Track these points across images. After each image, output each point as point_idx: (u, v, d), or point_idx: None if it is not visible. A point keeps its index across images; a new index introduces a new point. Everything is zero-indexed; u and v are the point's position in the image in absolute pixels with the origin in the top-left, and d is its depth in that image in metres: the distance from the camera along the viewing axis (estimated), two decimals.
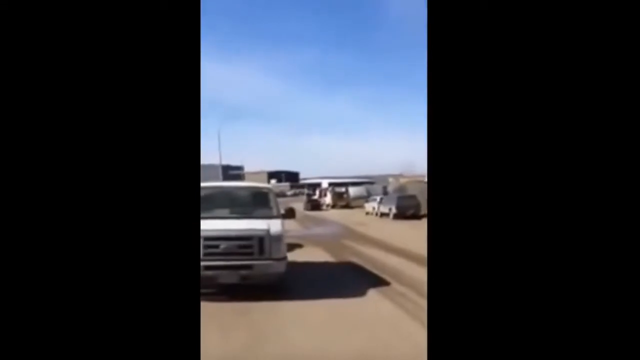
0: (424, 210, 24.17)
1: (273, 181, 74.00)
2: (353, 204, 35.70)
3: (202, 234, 5.92)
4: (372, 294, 6.86)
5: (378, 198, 28.51)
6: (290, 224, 14.92)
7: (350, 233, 17.54)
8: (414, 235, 15.30)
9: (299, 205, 28.95)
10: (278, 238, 6.53)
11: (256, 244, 6.34)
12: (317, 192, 45.03)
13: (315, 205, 36.21)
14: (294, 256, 9.47)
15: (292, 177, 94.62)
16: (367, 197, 32.95)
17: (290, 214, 8.30)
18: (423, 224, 20.31)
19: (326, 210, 35.07)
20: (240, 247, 6.32)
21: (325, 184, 58.35)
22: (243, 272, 6.23)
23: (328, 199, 38.22)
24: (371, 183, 48.80)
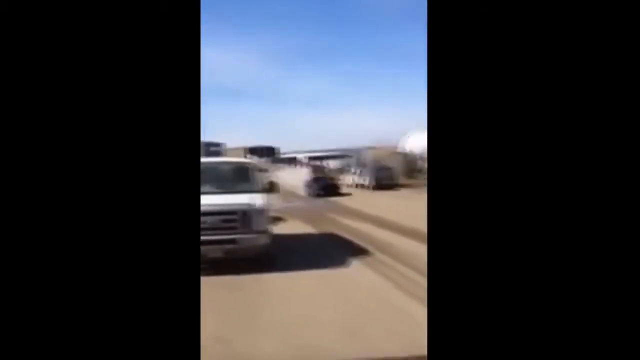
0: (400, 180, 24.65)
1: (254, 157, 73.29)
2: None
3: None
4: (355, 263, 7.07)
5: (357, 170, 28.77)
6: (271, 197, 14.98)
7: (330, 205, 17.76)
8: (392, 205, 15.63)
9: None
10: (261, 211, 6.64)
11: (240, 218, 6.43)
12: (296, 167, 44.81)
13: (328, 187, 23.81)
14: (277, 229, 9.58)
15: (271, 152, 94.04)
16: (345, 170, 33.22)
17: (273, 188, 8.37)
18: (400, 194, 20.71)
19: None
20: (224, 221, 6.40)
21: (302, 157, 58.09)
22: (228, 246, 6.32)
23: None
24: (349, 157, 48.96)
